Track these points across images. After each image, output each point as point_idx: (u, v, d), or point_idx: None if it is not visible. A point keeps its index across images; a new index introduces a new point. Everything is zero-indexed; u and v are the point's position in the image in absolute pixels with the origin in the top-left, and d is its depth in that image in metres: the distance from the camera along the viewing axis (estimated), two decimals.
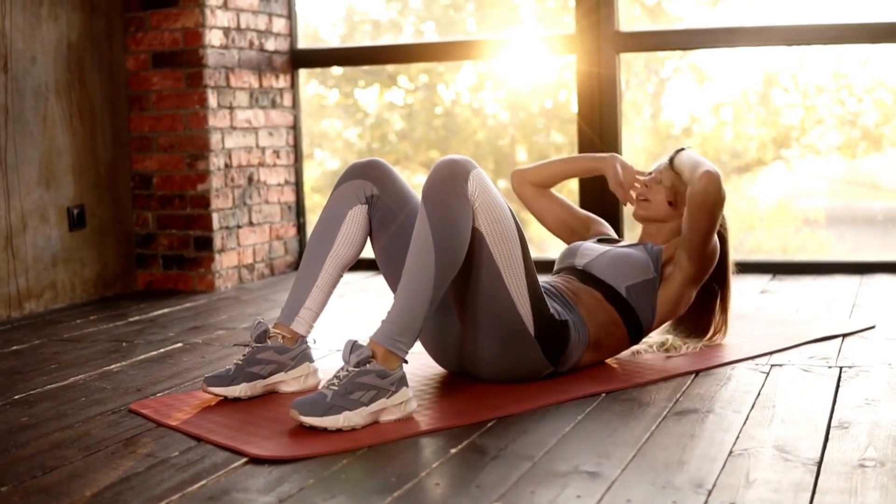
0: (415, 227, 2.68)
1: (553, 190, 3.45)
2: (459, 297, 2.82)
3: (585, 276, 3.09)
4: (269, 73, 5.32)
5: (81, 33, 4.72)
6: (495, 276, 2.76)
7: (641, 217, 3.26)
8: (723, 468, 2.19)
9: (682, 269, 3.09)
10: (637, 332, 3.10)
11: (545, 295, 2.91)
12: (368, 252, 3.03)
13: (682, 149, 3.19)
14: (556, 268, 3.27)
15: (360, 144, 7.26)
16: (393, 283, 2.99)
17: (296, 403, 2.53)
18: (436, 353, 3.04)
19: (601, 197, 4.97)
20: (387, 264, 2.99)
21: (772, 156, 6.62)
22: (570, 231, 3.43)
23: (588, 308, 3.00)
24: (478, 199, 2.70)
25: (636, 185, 3.27)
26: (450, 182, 2.68)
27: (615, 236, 3.42)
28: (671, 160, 3.19)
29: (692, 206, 3.02)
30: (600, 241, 3.33)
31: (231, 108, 5.06)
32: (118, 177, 4.96)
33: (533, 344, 2.83)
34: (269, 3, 5.32)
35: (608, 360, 3.14)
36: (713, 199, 3.00)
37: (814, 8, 6.18)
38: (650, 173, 3.27)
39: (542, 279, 3.03)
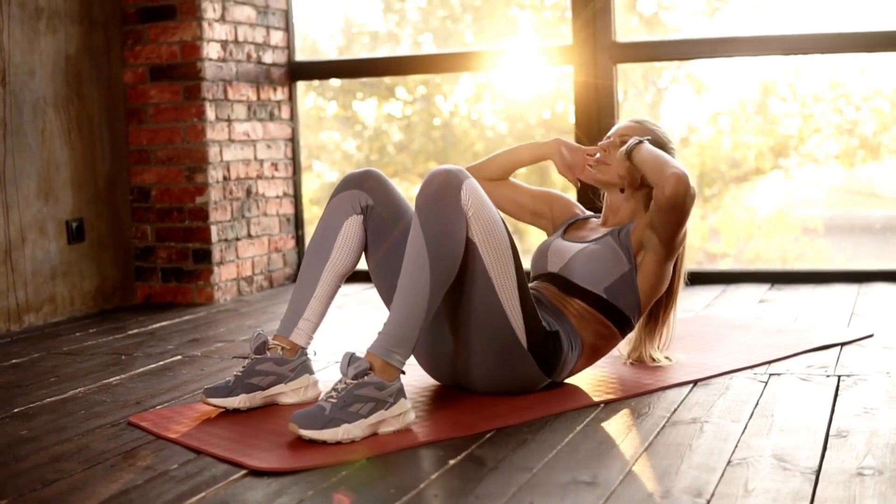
0: (409, 238, 2.68)
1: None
2: (452, 311, 2.81)
3: (564, 283, 3.02)
4: (267, 86, 5.33)
5: (79, 47, 4.73)
6: (488, 288, 2.75)
7: (601, 181, 3.13)
8: (721, 477, 2.19)
9: (656, 252, 2.99)
10: (626, 326, 3.05)
11: (536, 304, 2.89)
12: (365, 263, 3.03)
13: (641, 141, 3.03)
14: (532, 274, 3.19)
15: (359, 156, 7.27)
16: (386, 296, 2.98)
17: (295, 417, 2.53)
18: (430, 369, 3.03)
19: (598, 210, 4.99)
20: (381, 276, 2.98)
21: (770, 165, 6.63)
22: (533, 214, 3.33)
23: (577, 316, 2.98)
24: (471, 209, 2.69)
25: (589, 159, 3.14)
26: (443, 192, 2.68)
27: (581, 211, 3.31)
28: (629, 153, 3.02)
29: (661, 209, 2.91)
30: (567, 230, 3.23)
31: (229, 120, 5.06)
32: (117, 190, 4.97)
33: (526, 357, 2.82)
34: (266, 16, 5.33)
35: (607, 372, 3.15)
36: (682, 201, 2.89)
37: (811, 17, 6.20)
38: (608, 137, 3.15)
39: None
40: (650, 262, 3.01)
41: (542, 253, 3.16)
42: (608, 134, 3.17)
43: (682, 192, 2.87)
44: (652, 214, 2.97)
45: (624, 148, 3.04)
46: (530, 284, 3.08)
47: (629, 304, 3.01)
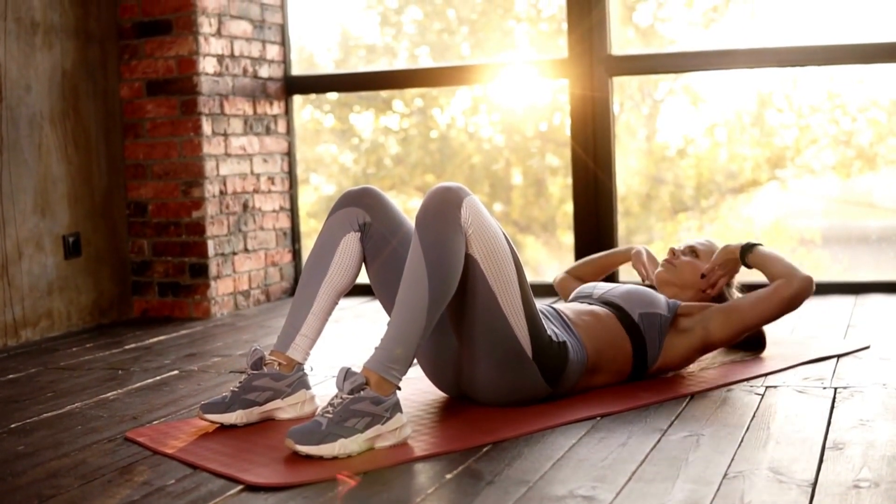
0: (408, 255, 2.69)
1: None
2: (456, 321, 2.83)
3: (602, 301, 3.18)
4: (263, 100, 5.33)
5: (76, 62, 4.74)
6: (491, 301, 2.77)
7: (664, 279, 3.36)
8: (717, 491, 2.19)
9: (710, 334, 3.16)
10: (640, 364, 3.11)
11: (543, 317, 2.93)
12: (364, 278, 3.04)
13: (755, 244, 3.23)
14: (570, 298, 3.38)
15: (356, 169, 7.27)
16: (389, 309, 3.00)
17: (291, 433, 2.53)
18: (434, 377, 3.04)
19: (596, 222, 4.99)
20: (381, 290, 3.01)
21: (767, 176, 6.63)
22: None
23: (588, 330, 3.01)
24: (471, 227, 2.71)
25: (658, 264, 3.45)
26: (443, 210, 2.69)
27: None
28: (744, 256, 3.23)
29: (776, 300, 3.13)
30: None
31: (225, 134, 5.07)
32: (113, 204, 4.97)
33: (531, 366, 2.84)
34: (262, 31, 5.33)
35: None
36: (800, 302, 3.15)
37: (807, 29, 6.20)
38: (681, 247, 3.41)
39: (543, 304, 3.05)
40: (694, 337, 3.17)
41: (588, 287, 3.36)
42: (684, 243, 3.46)
43: (806, 295, 3.15)
44: (747, 305, 3.16)
45: (738, 244, 3.26)
46: (559, 304, 3.21)
47: (652, 345, 3.12)
